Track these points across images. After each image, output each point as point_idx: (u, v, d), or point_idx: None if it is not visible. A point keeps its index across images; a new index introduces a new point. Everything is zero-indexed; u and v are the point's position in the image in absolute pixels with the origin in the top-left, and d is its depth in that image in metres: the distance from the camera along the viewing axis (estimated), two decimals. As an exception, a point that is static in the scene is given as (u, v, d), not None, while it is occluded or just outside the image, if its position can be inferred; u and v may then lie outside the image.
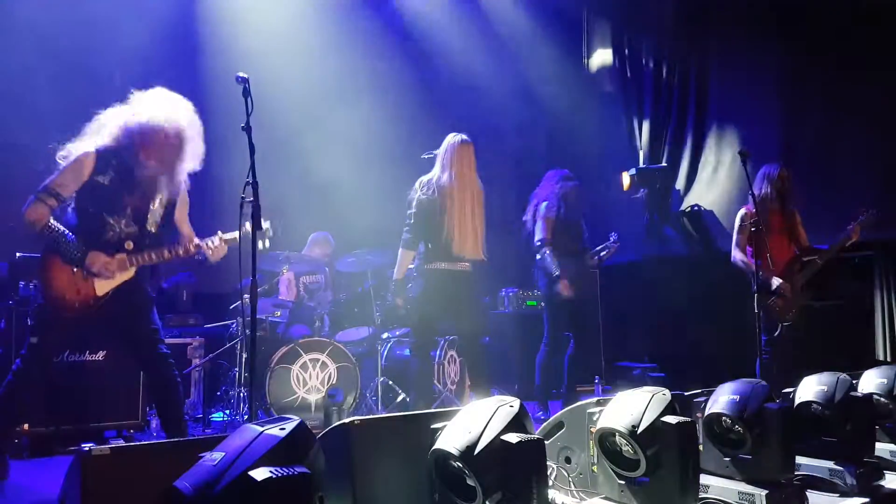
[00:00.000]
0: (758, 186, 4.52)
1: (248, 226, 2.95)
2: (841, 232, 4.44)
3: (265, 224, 3.20)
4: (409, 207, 4.03)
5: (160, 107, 3.05)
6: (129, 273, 3.10)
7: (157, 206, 3.13)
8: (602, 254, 5.19)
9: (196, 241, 3.25)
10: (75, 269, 2.99)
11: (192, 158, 3.15)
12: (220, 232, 3.29)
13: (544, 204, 4.91)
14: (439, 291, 3.99)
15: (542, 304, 5.00)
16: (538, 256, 4.80)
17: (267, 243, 3.37)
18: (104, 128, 3.05)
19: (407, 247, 4.04)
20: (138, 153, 3.01)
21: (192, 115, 3.13)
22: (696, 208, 6.62)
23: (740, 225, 4.50)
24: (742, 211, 4.52)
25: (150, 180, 3.07)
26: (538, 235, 4.84)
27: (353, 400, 4.73)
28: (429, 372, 4.33)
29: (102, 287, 3.05)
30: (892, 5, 5.11)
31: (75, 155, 2.98)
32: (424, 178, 4.05)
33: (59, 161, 3.01)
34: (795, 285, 4.38)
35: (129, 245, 3.08)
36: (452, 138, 4.09)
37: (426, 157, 4.21)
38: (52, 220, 2.97)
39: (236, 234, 3.19)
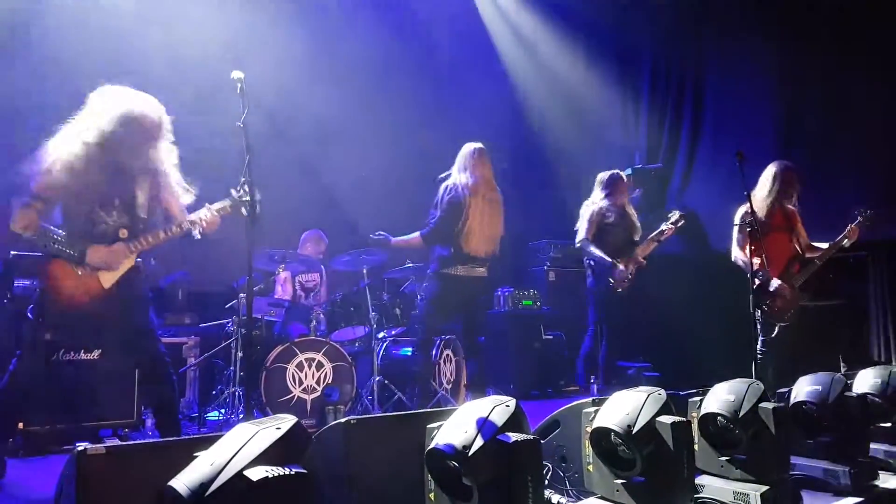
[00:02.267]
0: (766, 183, 4.52)
1: (233, 192, 3.10)
2: (839, 232, 4.45)
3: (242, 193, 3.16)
4: (436, 208, 4.21)
5: (130, 100, 3.09)
6: (131, 261, 3.14)
7: (143, 193, 3.16)
8: None
9: (189, 217, 3.26)
10: (77, 268, 3.01)
11: (163, 144, 3.18)
12: (207, 204, 3.31)
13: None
14: (454, 296, 4.20)
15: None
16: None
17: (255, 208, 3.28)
18: (84, 125, 3.07)
19: (425, 240, 4.25)
20: (118, 146, 3.03)
21: (156, 104, 3.16)
22: (691, 208, 6.63)
23: (741, 224, 4.49)
24: (742, 209, 4.50)
25: (132, 170, 3.11)
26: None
27: (349, 399, 4.73)
28: (431, 370, 4.58)
29: (108, 279, 3.10)
30: (891, 4, 5.12)
31: (55, 156, 2.98)
32: (449, 183, 4.23)
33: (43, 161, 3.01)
34: (794, 286, 4.38)
35: (124, 233, 3.12)
36: (470, 146, 4.31)
37: (442, 176, 4.37)
38: (42, 224, 2.99)
39: (226, 202, 3.25)
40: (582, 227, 5.10)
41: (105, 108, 3.06)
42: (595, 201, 5.16)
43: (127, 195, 3.13)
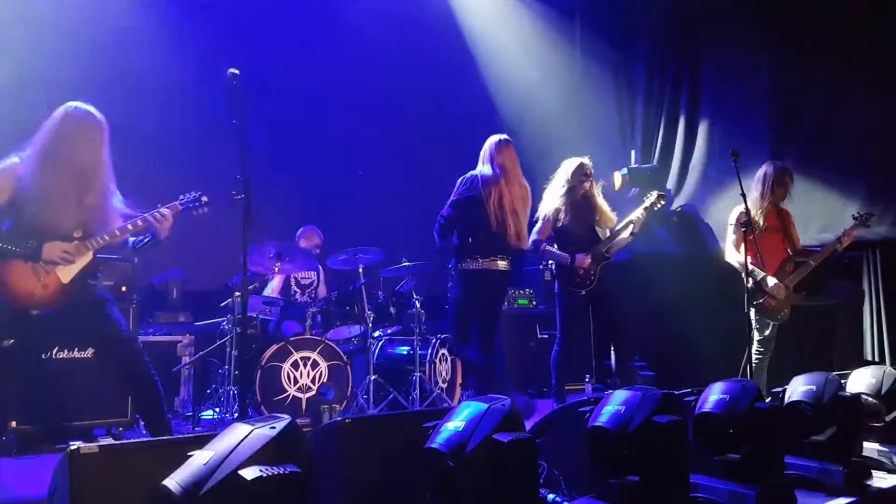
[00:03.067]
0: (759, 185, 4.53)
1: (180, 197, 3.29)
2: (834, 232, 4.47)
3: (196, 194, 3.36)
4: (449, 200, 4.14)
5: (75, 109, 3.13)
6: (89, 256, 3.13)
7: (93, 196, 3.15)
8: None
9: (143, 216, 3.25)
10: (34, 265, 2.99)
11: (104, 150, 3.19)
12: (158, 205, 3.31)
13: None
14: (477, 293, 4.12)
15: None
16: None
17: (203, 211, 3.38)
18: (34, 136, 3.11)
19: (439, 230, 4.16)
20: (65, 151, 3.04)
21: (98, 114, 3.19)
22: (686, 208, 6.64)
23: (736, 224, 4.49)
24: (736, 210, 4.50)
25: (81, 174, 3.11)
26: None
27: (344, 398, 4.72)
28: (490, 363, 4.25)
29: (67, 274, 3.06)
30: (887, 4, 5.13)
31: (1, 164, 3.01)
32: (467, 175, 4.16)
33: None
34: (788, 285, 4.39)
35: (78, 233, 3.11)
36: (494, 137, 4.23)
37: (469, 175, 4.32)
38: None
39: (176, 203, 3.29)
40: (536, 227, 4.54)
41: (49, 122, 3.10)
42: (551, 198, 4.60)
43: (77, 198, 3.12)
